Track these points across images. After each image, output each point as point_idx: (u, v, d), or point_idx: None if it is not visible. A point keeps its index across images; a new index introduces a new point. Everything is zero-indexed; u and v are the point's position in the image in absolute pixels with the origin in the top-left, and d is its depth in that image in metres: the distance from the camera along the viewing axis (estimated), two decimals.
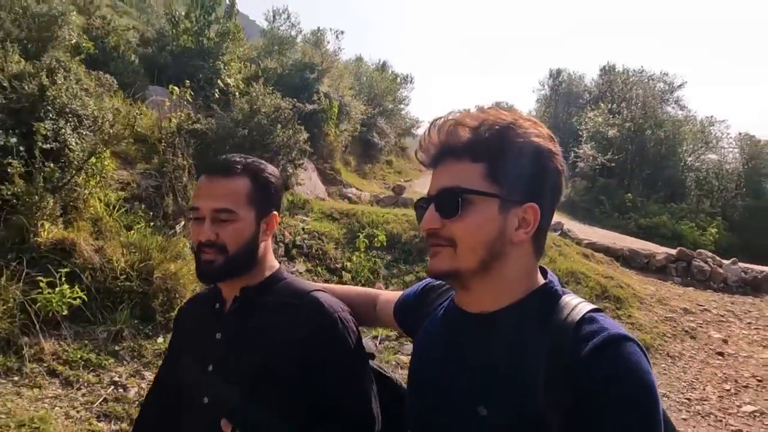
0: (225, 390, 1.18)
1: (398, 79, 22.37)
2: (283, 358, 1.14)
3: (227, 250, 1.16)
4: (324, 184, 9.91)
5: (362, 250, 6.00)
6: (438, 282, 1.09)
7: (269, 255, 1.27)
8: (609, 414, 0.72)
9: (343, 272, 5.93)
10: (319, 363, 1.15)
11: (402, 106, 22.36)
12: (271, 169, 1.26)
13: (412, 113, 26.49)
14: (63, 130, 4.45)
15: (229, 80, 9.51)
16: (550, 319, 0.81)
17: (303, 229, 6.44)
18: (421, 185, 13.45)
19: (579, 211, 15.67)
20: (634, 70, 21.03)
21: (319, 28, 14.87)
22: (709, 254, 8.95)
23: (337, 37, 16.26)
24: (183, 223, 5.15)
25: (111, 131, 4.92)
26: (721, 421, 3.85)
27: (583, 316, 0.80)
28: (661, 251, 9.01)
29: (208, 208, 1.16)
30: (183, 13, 9.66)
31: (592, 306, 0.83)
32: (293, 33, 15.63)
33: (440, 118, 0.91)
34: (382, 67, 22.64)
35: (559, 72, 23.69)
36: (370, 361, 1.27)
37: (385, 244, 6.18)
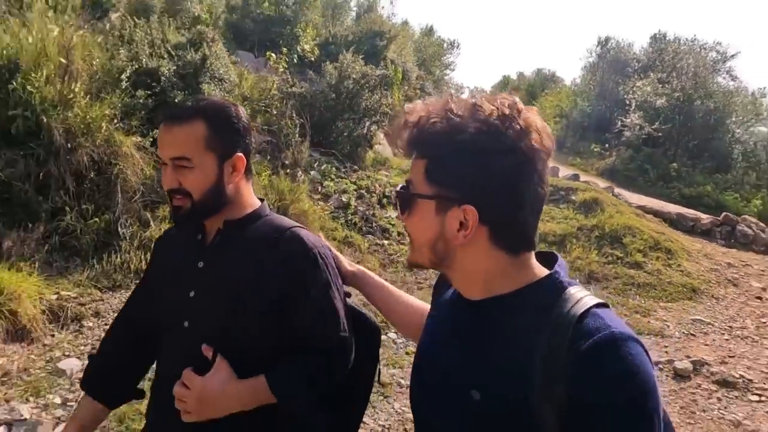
0: (206, 314, 1.23)
1: (445, 45, 22.84)
2: (261, 288, 1.19)
3: (192, 196, 1.20)
4: (390, 146, 10.86)
5: None
6: None
7: (246, 193, 1.30)
8: (608, 416, 0.71)
9: None
10: (295, 294, 1.20)
11: (448, 71, 22.89)
12: (231, 111, 1.26)
13: (456, 79, 26.90)
14: (213, 92, 5.51)
15: (306, 46, 10.43)
16: (552, 311, 0.79)
17: (388, 182, 7.45)
18: None
19: (623, 179, 16.21)
20: (685, 39, 21.03)
21: None
22: (753, 220, 9.64)
23: (391, 2, 16.77)
24: (300, 172, 6.21)
25: (247, 93, 5.94)
26: (757, 341, 4.77)
27: (587, 309, 0.77)
28: (706, 216, 9.73)
29: (166, 156, 1.21)
30: None
31: (597, 300, 0.80)
32: None
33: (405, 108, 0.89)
34: (429, 31, 23.06)
35: (607, 40, 23.70)
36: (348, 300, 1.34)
37: None
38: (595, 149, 18.64)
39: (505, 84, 36.49)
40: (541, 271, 0.86)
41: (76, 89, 4.10)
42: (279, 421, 1.22)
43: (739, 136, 18.85)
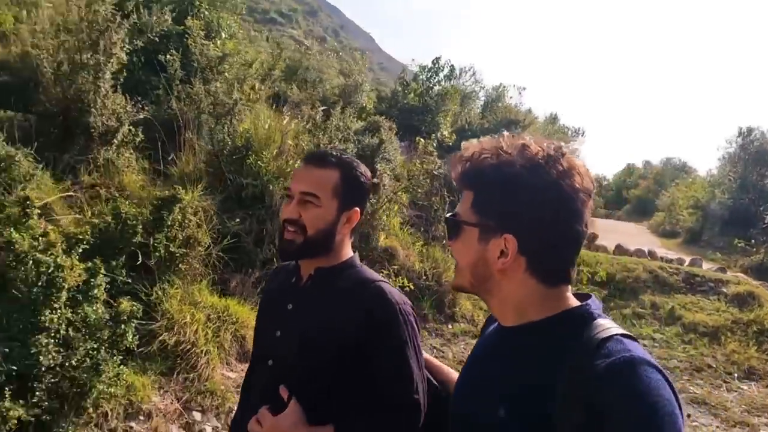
0: (287, 354, 1.30)
1: (569, 132, 23.15)
2: (340, 336, 1.25)
3: (306, 231, 1.28)
4: None
5: (584, 282, 7.17)
6: None
7: (346, 245, 1.38)
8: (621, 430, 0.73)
9: None
10: (372, 347, 1.25)
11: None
12: (363, 169, 1.37)
13: None
14: (384, 173, 6.44)
15: (445, 132, 11.45)
16: (579, 337, 0.83)
17: None
18: (604, 229, 13.99)
19: None
20: None
21: (501, 84, 16.53)
22: None
23: (519, 93, 17.67)
24: None
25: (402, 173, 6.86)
26: None
27: (611, 335, 0.81)
28: None
29: (297, 190, 1.30)
30: (412, 78, 11.93)
31: (624, 331, 0.84)
32: (477, 88, 17.60)
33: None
34: (553, 120, 23.58)
35: (750, 130, 22.55)
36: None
37: (604, 279, 7.29)
38: (739, 244, 17.34)
39: (629, 173, 35.56)
40: (575, 303, 0.91)
41: (292, 164, 5.16)
42: None
43: None
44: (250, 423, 1.24)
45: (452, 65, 12.15)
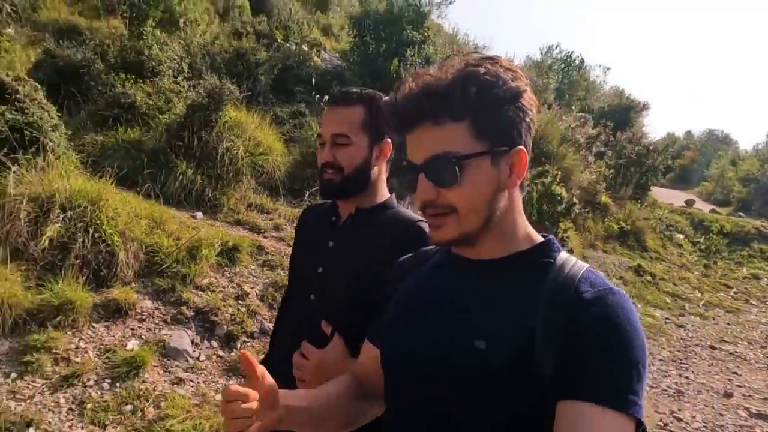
0: (330, 291, 1.44)
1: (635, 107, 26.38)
2: (381, 273, 1.27)
3: (343, 170, 1.42)
4: None
5: (715, 233, 10.94)
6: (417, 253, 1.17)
7: (382, 182, 1.50)
8: (599, 348, 0.82)
9: None
10: None
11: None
12: (387, 100, 1.40)
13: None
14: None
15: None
16: (551, 270, 0.92)
17: None
18: (661, 195, 16.35)
19: None
20: None
21: (584, 61, 19.90)
22: None
23: (604, 73, 21.05)
24: None
25: None
26: None
27: (586, 269, 0.92)
28: None
29: (327, 133, 1.43)
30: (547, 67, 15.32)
31: (588, 265, 0.94)
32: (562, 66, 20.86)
33: (408, 78, 0.92)
34: (620, 94, 26.71)
35: None
36: None
37: (728, 231, 11.11)
38: None
39: (672, 141, 38.60)
40: (536, 236, 1.00)
41: None
42: None
43: None
44: (294, 356, 1.38)
45: (582, 59, 15.56)
